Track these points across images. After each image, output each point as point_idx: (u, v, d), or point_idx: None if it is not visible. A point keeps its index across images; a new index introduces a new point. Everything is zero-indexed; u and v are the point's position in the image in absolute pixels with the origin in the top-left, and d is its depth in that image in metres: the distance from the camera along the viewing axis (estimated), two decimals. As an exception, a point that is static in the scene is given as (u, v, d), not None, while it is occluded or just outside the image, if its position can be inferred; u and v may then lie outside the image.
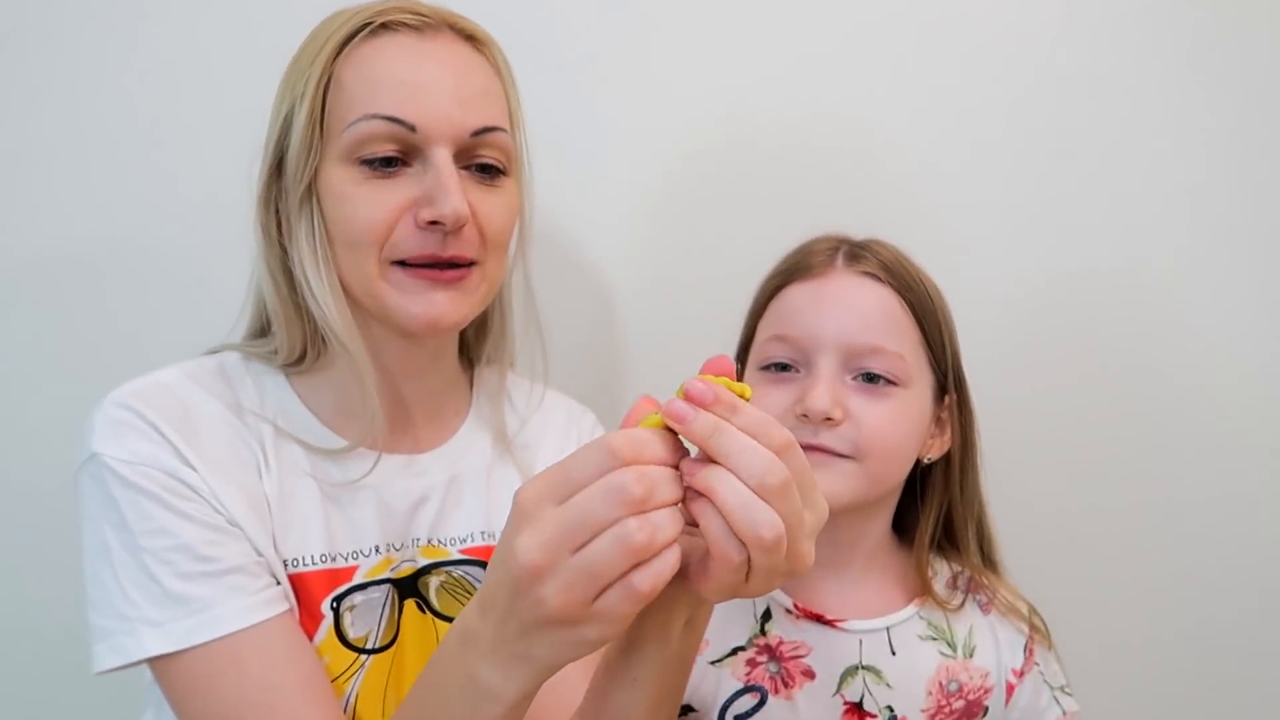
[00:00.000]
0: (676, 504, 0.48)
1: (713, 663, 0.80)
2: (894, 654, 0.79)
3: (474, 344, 0.89)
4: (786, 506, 0.48)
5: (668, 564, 0.47)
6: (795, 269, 0.80)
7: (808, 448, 0.75)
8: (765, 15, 1.06)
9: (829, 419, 0.74)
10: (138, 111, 1.02)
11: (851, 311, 0.76)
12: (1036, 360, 1.11)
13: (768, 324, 0.81)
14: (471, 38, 0.75)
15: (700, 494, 0.48)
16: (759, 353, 0.81)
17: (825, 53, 1.07)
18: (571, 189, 1.05)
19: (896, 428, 0.76)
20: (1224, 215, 1.10)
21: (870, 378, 0.75)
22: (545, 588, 0.48)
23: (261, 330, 0.81)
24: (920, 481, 0.84)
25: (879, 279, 0.77)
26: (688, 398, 0.49)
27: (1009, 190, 1.09)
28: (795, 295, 0.79)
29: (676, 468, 0.49)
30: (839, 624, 0.79)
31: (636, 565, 0.47)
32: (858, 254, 0.79)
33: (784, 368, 0.78)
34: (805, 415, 0.74)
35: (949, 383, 0.80)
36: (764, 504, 0.47)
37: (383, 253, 0.72)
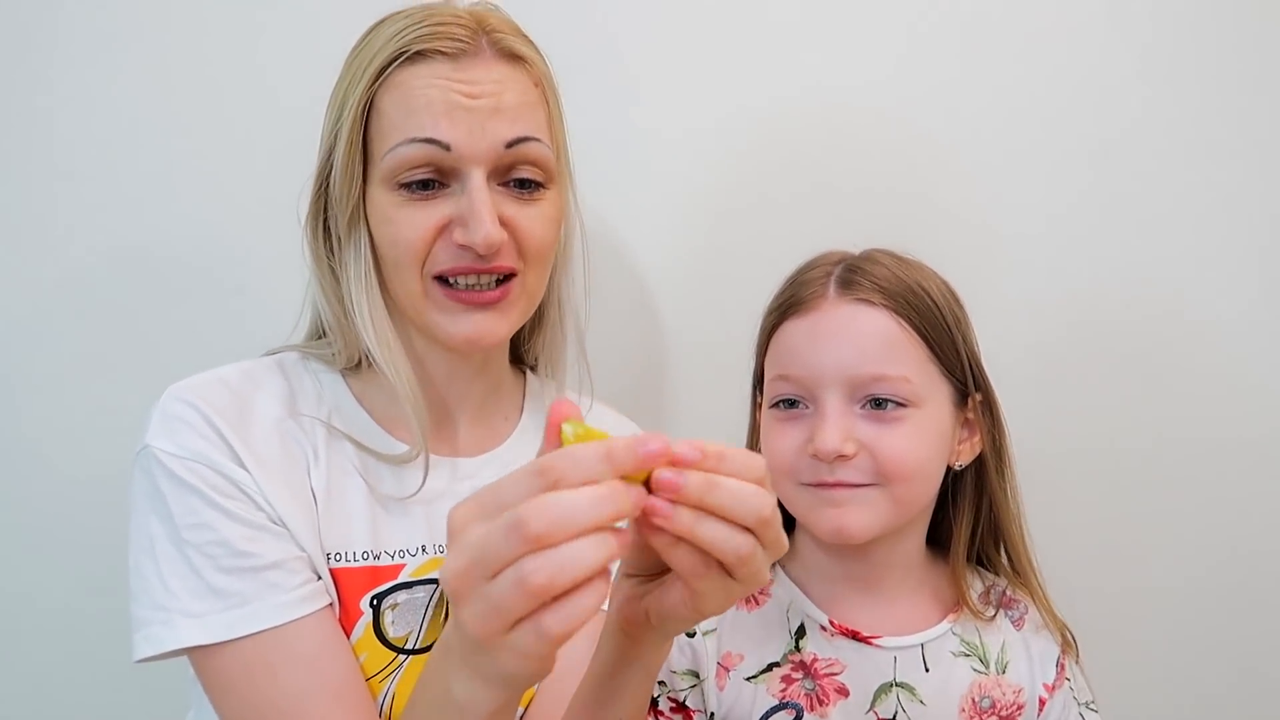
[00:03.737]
0: (606, 527, 0.44)
1: (748, 679, 0.80)
2: (927, 670, 0.80)
3: (526, 351, 0.90)
4: (770, 532, 0.49)
5: (587, 605, 0.44)
6: (790, 303, 0.79)
7: (826, 485, 0.75)
8: (803, 20, 1.07)
9: (842, 455, 0.73)
10: (185, 119, 1.04)
11: (849, 343, 0.75)
12: (1075, 369, 1.11)
13: (771, 362, 0.81)
14: (511, 55, 0.75)
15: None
16: (768, 390, 0.80)
17: (863, 55, 1.08)
18: (613, 196, 1.06)
19: (915, 450, 0.75)
20: (1272, 226, 1.09)
21: (879, 403, 0.75)
22: (463, 612, 0.47)
23: (319, 333, 0.83)
24: (953, 489, 0.83)
25: (873, 303, 0.76)
26: (674, 462, 0.46)
27: (1048, 197, 1.09)
28: (792, 332, 0.78)
29: (646, 483, 0.46)
30: (874, 641, 0.79)
31: (554, 601, 0.44)
32: (849, 279, 0.77)
33: (793, 404, 0.78)
34: (816, 455, 0.74)
35: (969, 385, 0.79)
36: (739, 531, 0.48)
37: (424, 268, 0.74)
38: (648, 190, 1.09)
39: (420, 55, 0.72)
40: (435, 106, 0.71)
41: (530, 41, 0.78)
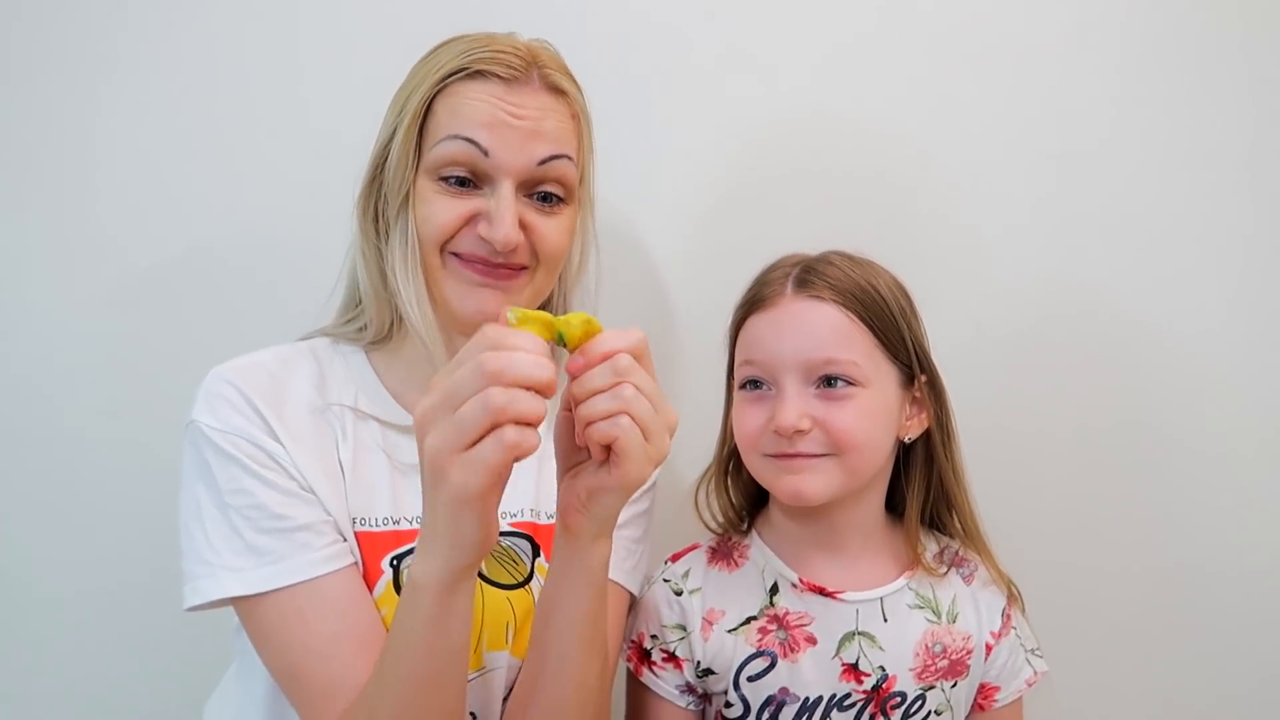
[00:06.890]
0: (543, 386, 0.61)
1: (729, 631, 0.91)
2: (886, 621, 0.90)
3: None
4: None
5: (530, 431, 0.61)
6: (754, 301, 0.91)
7: (787, 456, 0.86)
8: (796, 38, 1.16)
9: (799, 430, 0.84)
10: (225, 136, 1.14)
11: (803, 333, 0.86)
12: (1044, 357, 1.18)
13: (740, 351, 0.92)
14: (556, 89, 0.86)
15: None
16: (737, 375, 0.92)
17: (856, 73, 1.16)
18: (623, 201, 1.14)
19: (863, 422, 0.86)
20: (1236, 237, 1.16)
21: (830, 382, 0.86)
22: (427, 437, 0.62)
23: (355, 302, 0.92)
24: (905, 460, 0.94)
25: (824, 299, 0.86)
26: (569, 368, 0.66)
27: (1024, 198, 1.17)
28: (756, 325, 0.90)
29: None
30: (838, 595, 0.90)
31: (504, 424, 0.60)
32: (804, 279, 0.88)
33: (757, 385, 0.89)
34: (778, 431, 0.85)
35: (915, 368, 0.90)
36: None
37: (445, 246, 0.85)
38: (656, 195, 1.18)
39: (479, 74, 0.83)
40: (483, 116, 0.82)
41: (573, 79, 0.89)
